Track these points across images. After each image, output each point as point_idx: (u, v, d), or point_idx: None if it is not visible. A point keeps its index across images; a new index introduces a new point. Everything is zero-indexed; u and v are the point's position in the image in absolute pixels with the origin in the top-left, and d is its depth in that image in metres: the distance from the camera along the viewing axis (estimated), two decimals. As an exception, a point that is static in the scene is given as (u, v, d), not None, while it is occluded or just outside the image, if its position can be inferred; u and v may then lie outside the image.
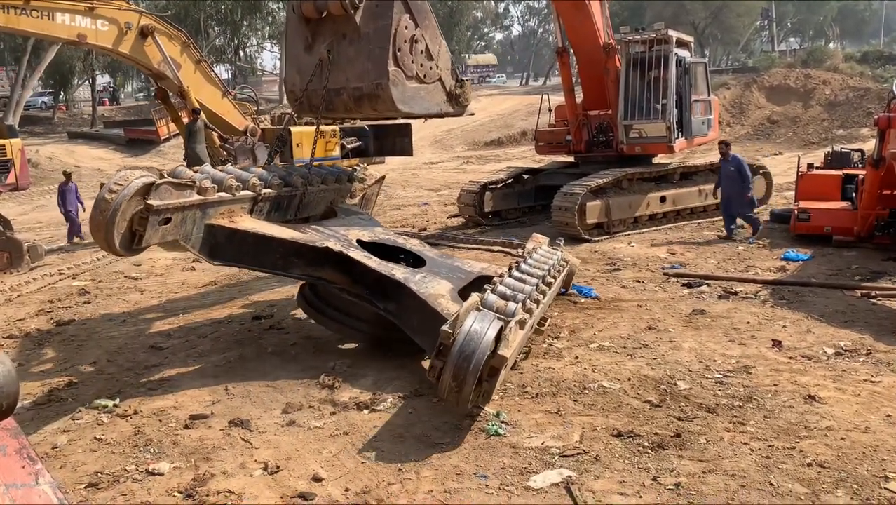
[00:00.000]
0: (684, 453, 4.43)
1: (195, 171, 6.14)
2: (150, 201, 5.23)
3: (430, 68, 6.42)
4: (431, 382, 4.98)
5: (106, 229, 5.16)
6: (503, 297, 5.60)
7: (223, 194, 5.96)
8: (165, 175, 5.60)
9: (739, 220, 12.13)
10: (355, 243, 6.62)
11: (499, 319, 4.96)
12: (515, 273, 6.42)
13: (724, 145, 12.11)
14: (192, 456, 4.82)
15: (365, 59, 6.13)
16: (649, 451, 4.49)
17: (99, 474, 4.62)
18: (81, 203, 14.69)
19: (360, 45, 6.16)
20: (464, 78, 6.87)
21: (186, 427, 5.31)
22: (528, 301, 5.70)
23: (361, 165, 8.76)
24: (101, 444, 5.10)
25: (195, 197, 5.67)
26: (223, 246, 6.00)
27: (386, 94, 6.09)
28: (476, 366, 4.61)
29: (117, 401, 5.86)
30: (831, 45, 63.31)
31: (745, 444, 4.53)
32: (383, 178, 8.97)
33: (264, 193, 6.41)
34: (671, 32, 12.97)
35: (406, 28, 6.12)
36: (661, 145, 13.08)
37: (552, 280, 6.93)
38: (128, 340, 7.61)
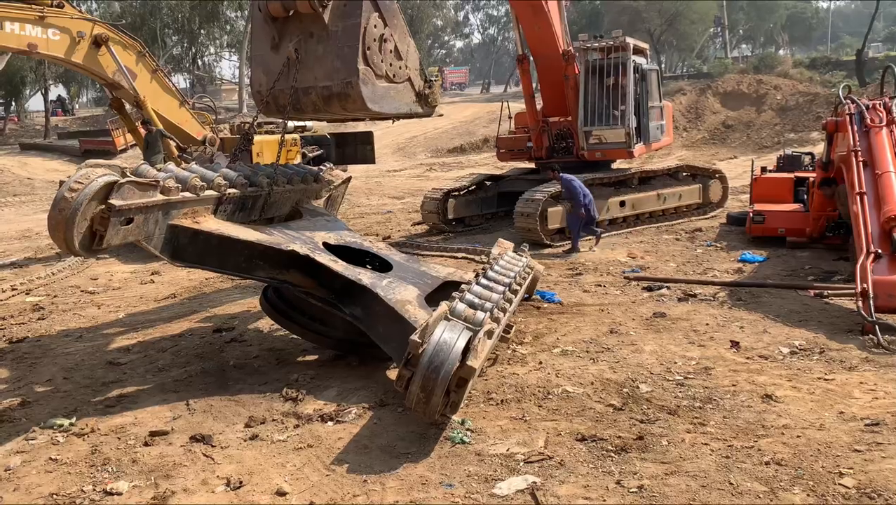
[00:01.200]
0: (647, 456, 4.49)
1: (159, 170, 5.96)
2: (112, 201, 5.03)
3: (400, 68, 6.39)
4: (399, 391, 4.96)
5: (66, 229, 4.95)
6: (471, 305, 5.61)
7: (187, 194, 5.77)
8: (128, 173, 5.42)
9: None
10: (321, 246, 6.54)
11: (468, 329, 4.96)
12: (483, 281, 6.44)
13: (551, 170, 12.23)
14: (151, 474, 4.71)
15: (334, 57, 6.06)
16: (612, 454, 4.54)
17: (55, 496, 4.49)
18: None
19: (329, 43, 6.09)
20: (432, 78, 6.88)
21: (146, 444, 5.19)
22: (496, 310, 5.70)
23: (328, 166, 8.57)
24: (57, 464, 4.95)
25: (158, 197, 5.46)
26: (186, 247, 5.82)
27: (356, 92, 6.04)
28: (445, 377, 4.61)
29: (74, 419, 5.70)
30: (781, 52, 65.20)
31: (706, 444, 4.61)
32: (349, 178, 8.84)
33: (229, 193, 6.23)
34: (628, 40, 13.21)
35: (375, 27, 6.08)
36: (622, 151, 13.28)
37: (518, 287, 6.98)
38: (85, 357, 7.42)
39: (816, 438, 4.61)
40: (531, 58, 14.10)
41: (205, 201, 5.96)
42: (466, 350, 4.84)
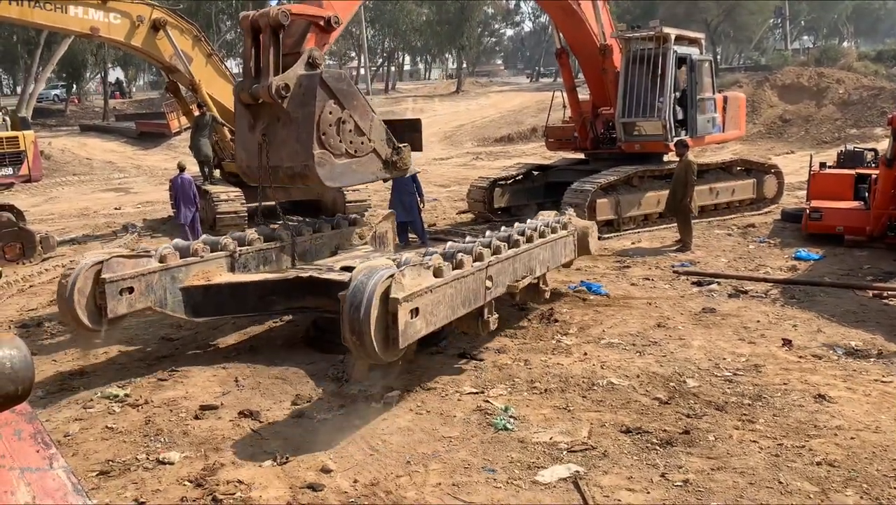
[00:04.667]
0: (693, 450, 4.43)
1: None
2: (102, 275, 5.83)
3: (362, 143, 6.82)
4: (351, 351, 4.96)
5: (67, 307, 5.86)
6: (425, 255, 5.69)
7: (191, 259, 6.62)
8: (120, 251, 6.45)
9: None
10: (336, 269, 6.87)
11: (388, 269, 4.93)
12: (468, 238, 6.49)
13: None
14: (202, 446, 4.85)
15: (294, 141, 6.56)
16: (657, 447, 4.49)
17: (110, 462, 4.66)
18: (196, 201, 12.15)
19: (291, 128, 6.59)
20: (401, 145, 7.18)
21: (196, 417, 5.34)
22: (462, 253, 5.62)
23: (365, 214, 9.16)
24: (113, 432, 5.14)
25: (155, 264, 6.29)
26: (202, 303, 6.66)
27: (313, 173, 6.50)
28: (367, 311, 4.58)
29: (129, 391, 5.91)
30: (845, 44, 62.86)
31: (754, 442, 4.52)
32: (392, 213, 9.17)
33: (241, 251, 7.10)
34: (667, 30, 12.90)
35: (331, 113, 6.50)
36: (659, 143, 13.00)
37: (534, 234, 6.84)
38: (139, 331, 7.66)
39: (872, 441, 4.48)
40: (569, 52, 14.03)
41: (211, 261, 6.82)
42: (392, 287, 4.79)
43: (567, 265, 7.99)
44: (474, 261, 5.71)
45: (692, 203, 11.08)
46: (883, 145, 19.03)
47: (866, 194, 11.37)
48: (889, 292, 8.11)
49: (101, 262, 5.94)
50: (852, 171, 12.32)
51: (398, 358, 5.05)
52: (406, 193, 11.34)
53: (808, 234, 11.32)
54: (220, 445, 4.86)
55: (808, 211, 11.47)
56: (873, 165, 12.55)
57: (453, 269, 5.42)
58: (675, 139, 12.11)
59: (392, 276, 4.76)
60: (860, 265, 9.68)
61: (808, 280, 8.86)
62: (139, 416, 5.42)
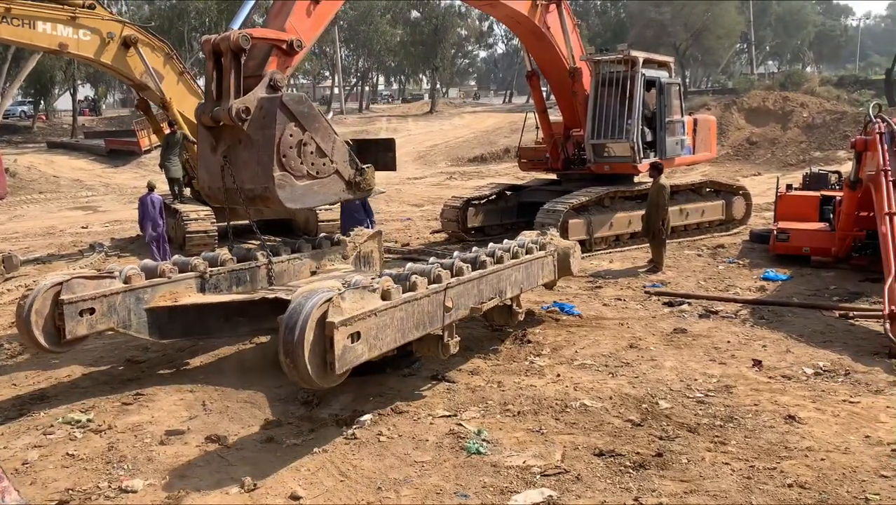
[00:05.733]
0: (666, 473, 4.42)
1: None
2: (61, 296, 5.76)
3: (324, 164, 6.86)
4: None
5: (25, 328, 5.77)
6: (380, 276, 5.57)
7: (158, 279, 6.55)
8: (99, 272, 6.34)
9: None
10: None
11: (328, 291, 4.81)
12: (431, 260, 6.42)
13: None
14: (167, 473, 4.72)
15: (255, 163, 6.59)
16: (631, 470, 4.47)
17: (70, 491, 4.51)
18: (163, 220, 11.98)
19: (252, 150, 6.62)
20: (364, 166, 7.23)
21: (162, 443, 5.21)
22: (416, 275, 5.53)
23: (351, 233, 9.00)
24: (74, 460, 4.98)
25: (117, 285, 6.20)
26: (168, 324, 6.60)
27: (273, 195, 6.54)
28: (301, 334, 4.47)
29: (91, 415, 5.75)
30: (808, 69, 64.58)
31: (727, 464, 4.53)
32: (379, 232, 9.08)
33: (212, 271, 7.02)
34: (636, 53, 13.12)
35: (291, 135, 6.54)
36: (627, 164, 13.16)
37: (504, 255, 6.73)
38: (104, 353, 7.48)
39: (841, 462, 4.51)
40: (540, 74, 14.21)
41: (178, 282, 6.73)
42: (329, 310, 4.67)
43: (549, 286, 7.95)
44: (431, 283, 5.61)
45: (665, 225, 11.16)
46: (846, 168, 19.48)
47: (831, 216, 11.60)
48: (855, 313, 8.24)
49: (61, 282, 5.84)
50: (817, 193, 12.57)
51: (336, 384, 4.88)
52: (353, 216, 11.07)
53: (776, 254, 11.49)
54: (186, 471, 4.73)
55: (775, 232, 11.65)
56: (837, 188, 12.82)
57: (406, 291, 5.33)
58: (650, 162, 12.24)
59: (330, 299, 4.65)
60: (827, 286, 9.83)
61: (777, 301, 8.98)
62: (102, 442, 5.26)
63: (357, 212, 11.10)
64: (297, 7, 7.28)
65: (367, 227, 10.30)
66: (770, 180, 23.65)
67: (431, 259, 6.33)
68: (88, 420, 5.67)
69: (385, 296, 5.08)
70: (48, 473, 4.77)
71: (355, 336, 4.75)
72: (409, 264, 5.93)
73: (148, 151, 32.44)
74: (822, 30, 71.21)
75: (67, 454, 5.07)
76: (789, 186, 13.37)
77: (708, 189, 14.75)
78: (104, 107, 54.06)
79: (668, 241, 13.40)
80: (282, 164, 6.48)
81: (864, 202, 9.83)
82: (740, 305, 8.88)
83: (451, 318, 5.78)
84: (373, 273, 8.31)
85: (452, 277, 5.86)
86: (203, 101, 7.03)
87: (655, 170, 11.47)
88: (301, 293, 4.87)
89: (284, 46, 7.00)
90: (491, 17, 64.27)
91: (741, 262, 11.55)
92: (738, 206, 14.70)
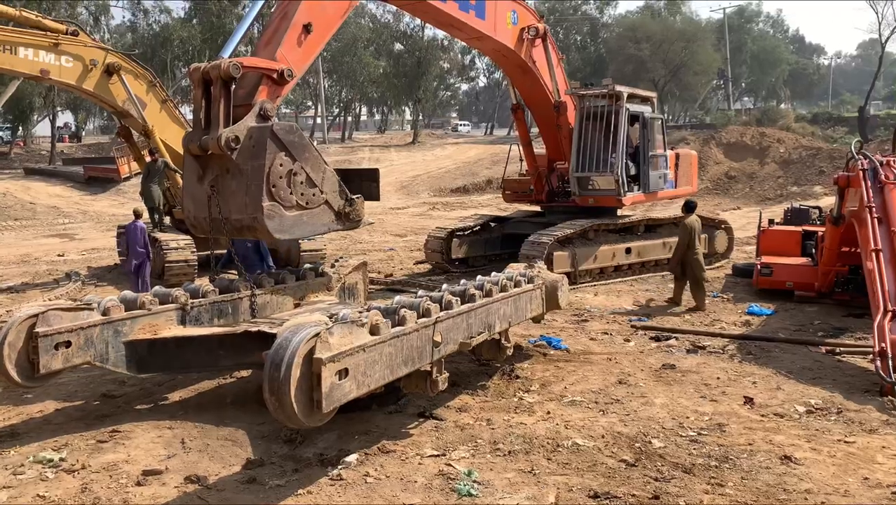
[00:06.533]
0: (664, 518, 4.30)
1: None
2: (36, 329, 5.54)
3: (314, 194, 6.78)
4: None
5: None
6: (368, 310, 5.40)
7: (137, 311, 6.35)
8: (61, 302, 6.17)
9: None
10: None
11: (316, 326, 4.63)
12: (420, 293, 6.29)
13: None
14: (143, 516, 4.50)
15: (243, 193, 6.49)
16: (628, 514, 4.34)
17: (40, 537, 4.28)
18: (147, 249, 11.54)
19: (241, 180, 6.52)
20: (354, 197, 7.15)
21: (139, 484, 4.98)
22: (405, 309, 5.41)
23: (340, 258, 8.85)
24: (45, 502, 4.74)
25: (95, 318, 5.99)
26: (147, 358, 6.40)
27: (262, 226, 6.44)
28: (287, 372, 4.28)
29: (64, 454, 5.49)
30: (783, 106, 66.02)
31: (725, 507, 4.42)
32: (364, 263, 8.93)
33: (193, 303, 6.80)
34: (620, 88, 13.27)
35: (281, 165, 6.46)
36: (611, 198, 13.22)
37: (493, 288, 6.62)
38: (79, 388, 7.22)
39: (841, 506, 4.43)
40: (525, 107, 14.32)
41: (158, 314, 6.52)
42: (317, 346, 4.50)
43: (536, 320, 7.83)
44: (420, 317, 5.46)
45: (692, 265, 10.72)
46: (824, 202, 19.78)
47: (813, 251, 11.68)
48: (841, 349, 8.23)
49: (37, 314, 5.61)
50: (799, 228, 12.67)
51: (322, 423, 4.68)
52: (245, 260, 10.17)
53: (760, 289, 11.53)
54: (164, 515, 4.52)
55: (758, 267, 11.70)
56: (819, 223, 12.95)
57: (394, 325, 5.18)
58: (684, 200, 11.97)
59: (318, 334, 4.47)
60: (811, 320, 9.85)
61: (763, 336, 8.96)
62: (75, 483, 5.02)
63: (249, 256, 10.14)
64: (288, 36, 7.23)
65: (263, 271, 8.94)
66: (749, 214, 23.94)
67: (420, 292, 6.20)
68: (61, 459, 5.42)
69: (374, 330, 4.92)
70: (17, 517, 4.54)
71: (343, 373, 4.57)
72: (398, 297, 5.79)
73: (127, 179, 32.14)
74: (796, 68, 73.03)
75: (38, 496, 4.83)
76: (771, 221, 13.47)
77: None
78: (84, 133, 53.56)
79: (652, 274, 13.48)
80: (271, 194, 6.36)
81: (847, 238, 9.91)
82: (727, 340, 8.84)
83: (440, 353, 5.63)
84: (358, 305, 8.16)
85: (441, 310, 5.73)
86: (189, 129, 6.92)
87: (686, 207, 11.32)
88: (287, 327, 4.68)
89: (275, 76, 6.93)
90: (473, 51, 65.23)
91: (725, 295, 11.57)
92: (720, 240, 14.79)
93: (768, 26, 74.19)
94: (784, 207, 15.72)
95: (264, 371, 4.41)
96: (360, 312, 5.16)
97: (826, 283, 10.80)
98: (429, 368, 5.59)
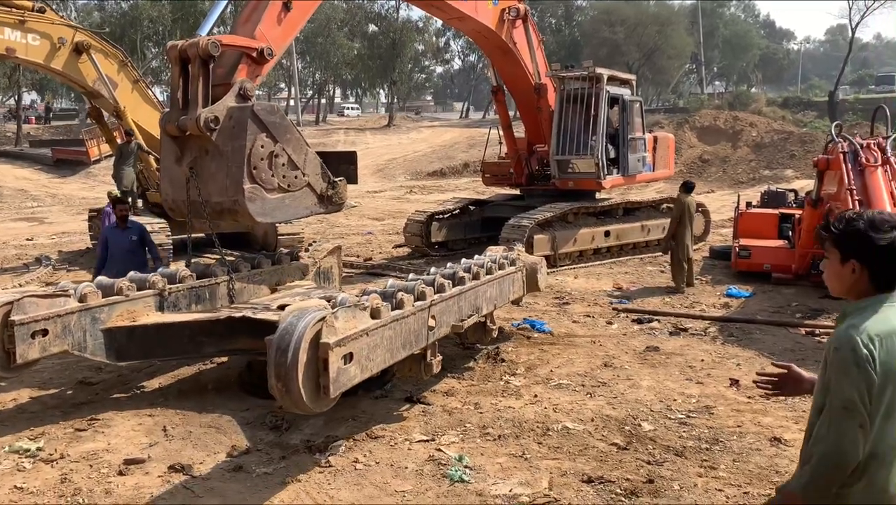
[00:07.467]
0: (659, 501, 4.29)
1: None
2: (12, 316, 5.28)
3: (296, 177, 6.64)
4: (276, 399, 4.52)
5: None
6: (364, 294, 5.40)
7: (115, 297, 6.09)
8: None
9: None
10: (274, 307, 6.46)
11: (320, 310, 4.57)
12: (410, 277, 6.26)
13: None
14: (127, 507, 4.38)
15: (224, 175, 6.33)
16: (623, 498, 4.33)
17: (20, 530, 4.14)
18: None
19: (221, 161, 6.36)
20: (336, 179, 7.02)
21: (120, 473, 4.85)
22: (402, 292, 5.35)
23: (313, 242, 8.70)
24: (23, 493, 4.59)
25: (73, 304, 5.73)
26: (127, 346, 6.13)
27: (243, 209, 6.29)
28: (294, 357, 4.21)
29: (41, 444, 5.33)
30: (754, 90, 66.66)
31: (720, 490, 4.42)
32: (338, 248, 8.81)
33: (171, 289, 6.55)
34: (601, 70, 13.22)
35: (262, 147, 6.30)
36: (591, 181, 13.20)
37: (480, 270, 6.62)
38: (54, 375, 7.03)
39: None
40: (506, 89, 14.21)
41: (136, 300, 6.27)
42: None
43: (516, 302, 7.82)
44: (416, 300, 5.42)
45: (678, 244, 10.72)
46: (796, 185, 20.03)
47: (790, 233, 11.81)
48: (821, 330, 8.32)
49: (12, 301, 5.35)
50: (776, 211, 12.80)
51: (327, 408, 4.63)
52: (129, 256, 8.23)
53: (738, 271, 11.62)
54: (148, 505, 4.41)
55: (736, 249, 11.79)
56: (794, 206, 13.09)
57: (393, 309, 5.13)
58: (683, 181, 11.93)
59: (324, 318, 4.40)
60: (788, 302, 9.96)
61: (744, 318, 9.03)
62: (54, 473, 4.87)
63: (135, 251, 8.25)
64: (267, 14, 7.04)
65: (153, 267, 7.80)
66: (723, 198, 24.17)
67: (410, 275, 6.12)
68: (38, 448, 5.26)
69: (374, 314, 4.85)
70: (-6, 510, 4.39)
71: (348, 357, 4.50)
72: (391, 281, 5.72)
73: (97, 161, 31.40)
74: (766, 52, 73.68)
75: (15, 487, 4.67)
76: (749, 204, 13.59)
77: (666, 206, 14.90)
78: (52, 115, 52.00)
79: (629, 257, 13.52)
80: (252, 176, 6.20)
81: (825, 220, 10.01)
82: (708, 322, 8.90)
83: (434, 336, 5.59)
84: (333, 288, 8.06)
85: (435, 293, 5.67)
86: (162, 110, 6.70)
87: (684, 187, 11.26)
88: (290, 312, 4.55)
89: (255, 54, 6.75)
90: (448, 33, 64.79)
91: (703, 278, 11.65)
92: (697, 223, 14.85)
93: (740, 11, 74.74)
94: (759, 191, 15.88)
95: (269, 356, 4.30)
96: (360, 296, 5.08)
97: (803, 265, 10.92)
98: (424, 351, 5.54)
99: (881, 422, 2.18)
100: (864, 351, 2.14)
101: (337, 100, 78.83)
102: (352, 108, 75.29)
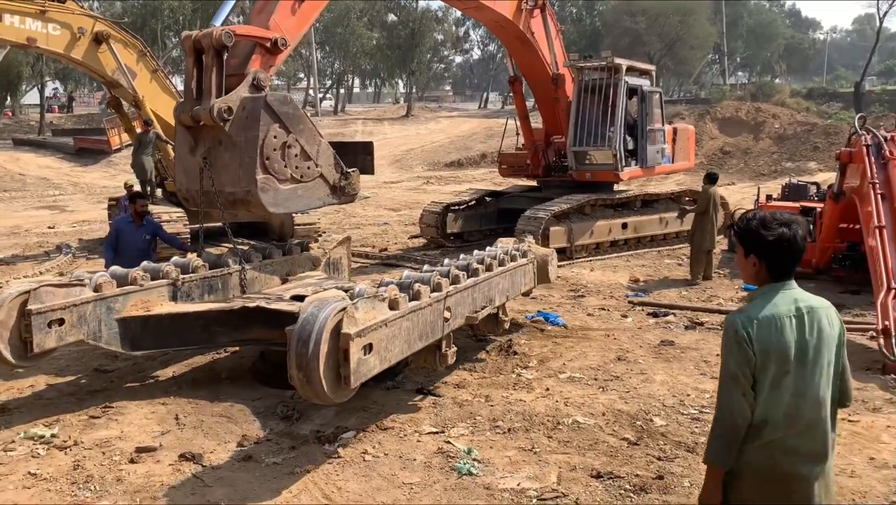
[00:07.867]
0: (669, 498, 4.23)
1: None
2: (29, 306, 5.30)
3: (308, 168, 6.65)
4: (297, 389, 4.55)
5: None
6: (380, 285, 5.38)
7: (129, 287, 6.11)
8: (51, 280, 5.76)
9: None
10: (287, 298, 6.49)
11: (341, 301, 4.57)
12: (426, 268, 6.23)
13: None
14: (137, 494, 4.42)
15: (237, 166, 6.35)
16: (632, 494, 4.28)
17: (32, 516, 4.19)
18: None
19: (234, 152, 6.36)
20: (349, 170, 7.00)
21: (132, 461, 4.89)
22: (419, 284, 5.35)
23: (324, 232, 8.71)
24: (36, 479, 4.65)
25: (89, 294, 5.75)
26: (141, 335, 6.13)
27: (256, 199, 6.32)
28: (316, 347, 4.23)
29: (56, 430, 5.40)
30: (777, 81, 65.67)
31: (730, 487, 4.35)
32: (348, 238, 8.82)
33: (184, 279, 6.57)
34: (619, 60, 13.05)
35: (276, 137, 6.31)
36: (608, 172, 13.07)
37: (493, 262, 6.61)
38: (70, 362, 7.11)
39: (850, 487, 4.36)
40: (523, 80, 14.10)
41: (150, 290, 6.29)
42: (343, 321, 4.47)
43: (527, 294, 7.79)
44: (432, 291, 5.43)
45: (705, 234, 10.73)
46: (819, 178, 19.69)
47: (811, 227, 11.60)
48: (840, 325, 8.18)
49: (28, 291, 5.39)
50: (797, 204, 12.58)
51: (346, 399, 4.68)
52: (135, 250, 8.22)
53: (757, 265, 11.45)
54: (158, 493, 4.44)
55: (756, 242, 11.60)
56: (816, 199, 12.87)
57: (410, 300, 5.14)
58: (706, 172, 11.81)
59: (344, 309, 4.42)
60: (808, 297, 9.78)
61: (762, 312, 8.89)
62: (67, 459, 4.93)
63: (146, 251, 7.88)
64: (281, 4, 7.02)
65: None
66: (743, 190, 23.87)
67: (425, 266, 6.11)
68: (52, 435, 5.32)
69: (393, 305, 4.88)
70: (7, 495, 4.44)
71: (368, 348, 4.54)
72: (407, 272, 5.71)
73: (118, 150, 31.68)
74: (791, 42, 72.50)
75: (29, 473, 4.73)
76: (769, 197, 13.39)
77: (687, 198, 14.74)
78: (74, 104, 52.60)
79: (647, 249, 13.39)
80: (265, 166, 6.22)
81: (847, 214, 9.83)
82: (725, 316, 8.77)
83: (449, 327, 5.60)
84: (343, 279, 8.09)
85: (451, 284, 5.66)
86: (181, 99, 6.73)
87: (708, 178, 11.19)
88: (311, 302, 4.57)
89: (268, 45, 6.74)
90: (467, 23, 64.50)
91: (721, 271, 11.50)
92: (718, 217, 14.67)
93: (764, 0, 73.57)
94: (780, 183, 15.63)
95: (289, 347, 4.34)
96: (378, 287, 5.08)
97: (824, 259, 10.75)
98: (439, 342, 5.54)
99: (770, 391, 2.53)
100: (743, 332, 2.53)
101: (356, 90, 78.64)
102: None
